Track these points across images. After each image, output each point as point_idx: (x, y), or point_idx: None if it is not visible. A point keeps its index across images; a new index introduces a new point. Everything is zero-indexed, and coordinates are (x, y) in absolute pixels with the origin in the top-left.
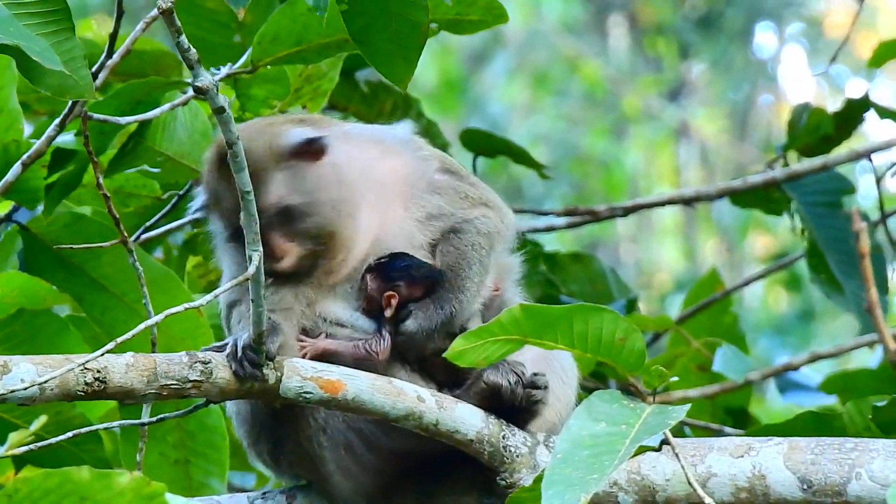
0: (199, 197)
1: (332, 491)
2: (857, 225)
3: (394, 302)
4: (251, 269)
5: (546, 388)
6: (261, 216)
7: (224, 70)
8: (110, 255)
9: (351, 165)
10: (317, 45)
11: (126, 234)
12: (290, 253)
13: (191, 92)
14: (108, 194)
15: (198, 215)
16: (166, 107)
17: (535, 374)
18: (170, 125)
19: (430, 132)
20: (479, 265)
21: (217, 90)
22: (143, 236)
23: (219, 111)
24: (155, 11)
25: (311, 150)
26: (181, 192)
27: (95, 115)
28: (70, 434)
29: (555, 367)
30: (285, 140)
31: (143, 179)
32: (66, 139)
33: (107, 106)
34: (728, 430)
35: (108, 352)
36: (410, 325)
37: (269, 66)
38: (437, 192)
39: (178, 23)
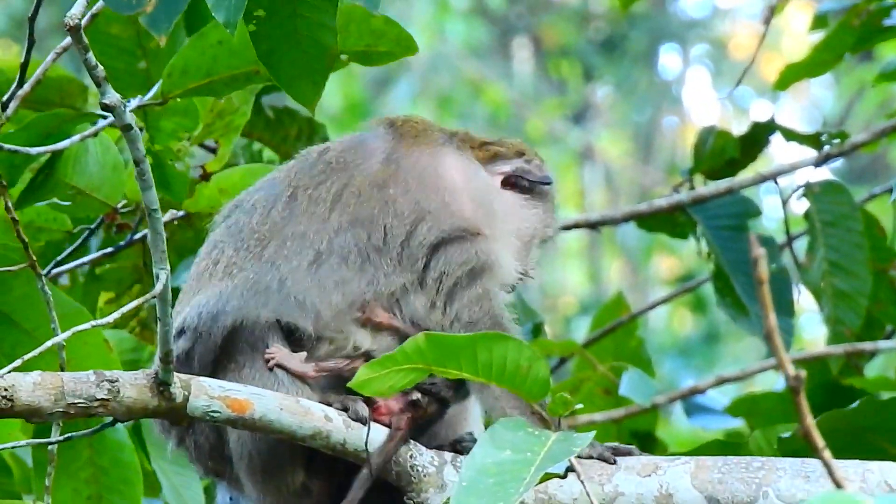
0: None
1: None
2: (755, 251)
3: None
4: (158, 288)
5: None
6: None
7: (134, 102)
8: (21, 288)
9: None
10: (226, 76)
11: (35, 259)
12: None
13: (101, 123)
14: (17, 218)
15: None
16: (76, 138)
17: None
18: (81, 158)
19: None
20: None
21: (125, 108)
22: (54, 270)
23: (126, 129)
24: (67, 41)
25: None
26: (92, 227)
27: (6, 146)
28: None
29: None
30: None
31: (53, 213)
32: None
33: (17, 137)
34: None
35: (15, 370)
36: None
37: (178, 99)
38: None
39: (86, 40)
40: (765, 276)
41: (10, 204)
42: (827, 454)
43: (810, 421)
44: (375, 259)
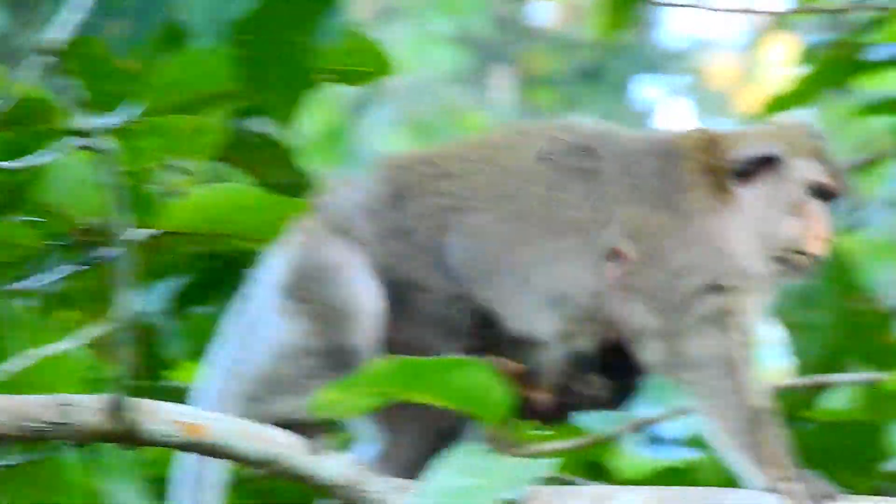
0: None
1: None
2: None
3: None
4: (121, 309)
5: None
6: None
7: (112, 121)
8: None
9: None
10: (206, 95)
11: None
12: None
13: (73, 141)
14: None
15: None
16: (48, 156)
17: None
18: (51, 176)
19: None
20: None
21: (101, 128)
22: (17, 286)
23: (102, 148)
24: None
25: None
26: (60, 245)
27: None
28: None
29: None
30: None
31: (22, 230)
32: None
33: None
34: (579, 481)
35: None
36: None
37: (156, 118)
38: None
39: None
40: None
41: None
42: None
43: None
44: None
